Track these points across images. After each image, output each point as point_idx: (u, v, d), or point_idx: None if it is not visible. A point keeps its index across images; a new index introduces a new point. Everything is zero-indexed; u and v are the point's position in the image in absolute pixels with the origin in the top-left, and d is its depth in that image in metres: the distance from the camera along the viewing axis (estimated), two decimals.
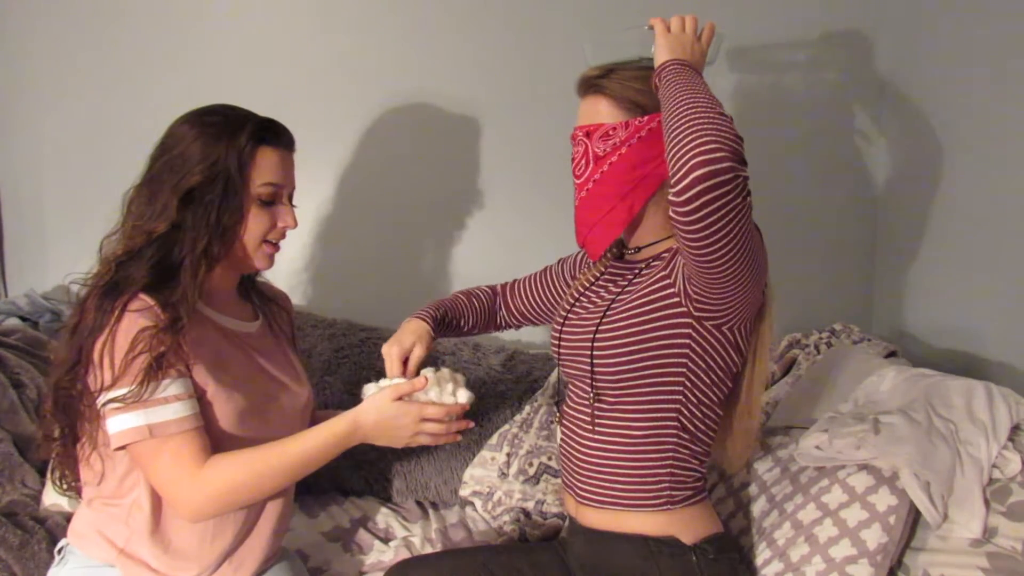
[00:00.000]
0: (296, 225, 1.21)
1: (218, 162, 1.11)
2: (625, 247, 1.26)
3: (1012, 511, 1.12)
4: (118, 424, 1.04)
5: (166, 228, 1.10)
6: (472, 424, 1.17)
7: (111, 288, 1.07)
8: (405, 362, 1.21)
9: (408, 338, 1.23)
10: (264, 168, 1.15)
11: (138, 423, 1.04)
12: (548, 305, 1.43)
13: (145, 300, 1.07)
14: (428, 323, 1.29)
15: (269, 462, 1.09)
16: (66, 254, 1.99)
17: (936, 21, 1.76)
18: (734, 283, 1.02)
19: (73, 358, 1.06)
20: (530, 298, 1.45)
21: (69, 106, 1.97)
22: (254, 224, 1.16)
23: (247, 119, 1.15)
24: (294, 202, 1.23)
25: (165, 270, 1.10)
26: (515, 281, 1.49)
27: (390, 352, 1.21)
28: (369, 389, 1.17)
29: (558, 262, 1.45)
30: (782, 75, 1.99)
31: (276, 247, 1.22)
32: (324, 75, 2.00)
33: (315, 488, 1.74)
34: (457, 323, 1.40)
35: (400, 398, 1.12)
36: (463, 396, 1.17)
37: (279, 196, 1.18)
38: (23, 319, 1.74)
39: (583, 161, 1.17)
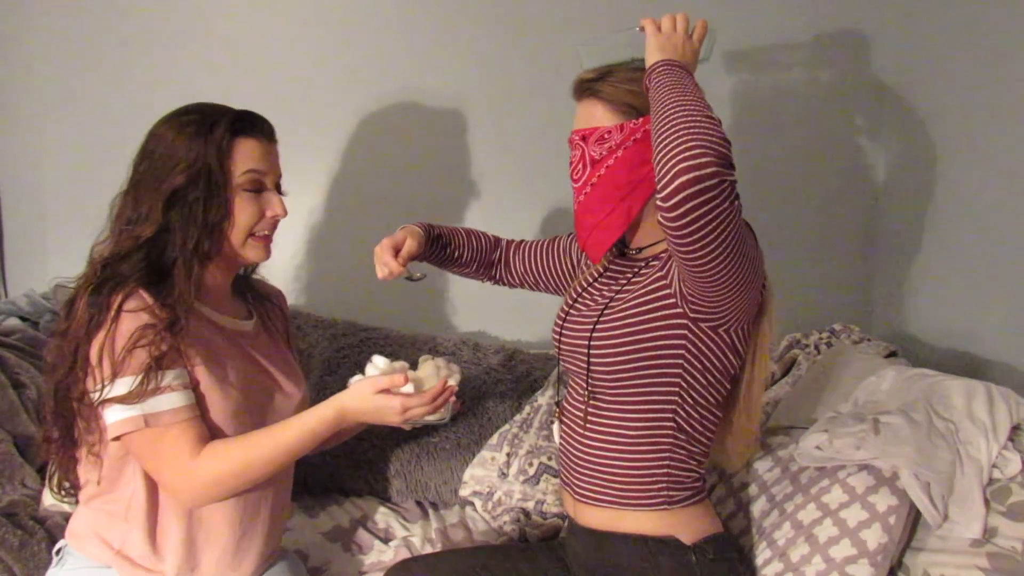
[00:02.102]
0: (286, 213, 1.20)
1: (198, 159, 1.11)
2: (626, 247, 1.26)
3: (1012, 511, 1.12)
4: (114, 415, 1.05)
5: (152, 232, 1.10)
6: (454, 399, 1.18)
7: (100, 285, 1.07)
8: (398, 255, 1.23)
9: (399, 233, 1.26)
10: (243, 157, 1.15)
11: (133, 413, 1.04)
12: (547, 275, 1.42)
13: (144, 298, 1.07)
14: (419, 228, 1.30)
15: (261, 449, 1.10)
16: (66, 254, 1.98)
17: (934, 21, 1.76)
18: (727, 287, 1.02)
19: (70, 360, 1.07)
20: (532, 263, 1.43)
21: (69, 106, 1.97)
22: (241, 215, 1.16)
23: (222, 113, 1.15)
24: (291, 197, 1.22)
25: (158, 271, 1.11)
26: (522, 241, 1.47)
27: (381, 245, 1.23)
28: (356, 381, 1.19)
29: (568, 235, 1.43)
30: (780, 76, 1.99)
31: (268, 238, 1.21)
32: (323, 75, 2.00)
33: (315, 488, 1.74)
34: (452, 252, 1.38)
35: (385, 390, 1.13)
36: (454, 372, 1.19)
37: (264, 184, 1.18)
38: (23, 319, 1.74)
39: (580, 165, 1.18)
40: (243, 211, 1.16)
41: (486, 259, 1.44)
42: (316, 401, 1.17)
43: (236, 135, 1.14)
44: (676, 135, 0.93)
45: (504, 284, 1.48)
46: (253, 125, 1.17)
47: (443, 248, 1.37)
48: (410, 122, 2.01)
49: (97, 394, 1.05)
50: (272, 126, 1.22)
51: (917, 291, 1.84)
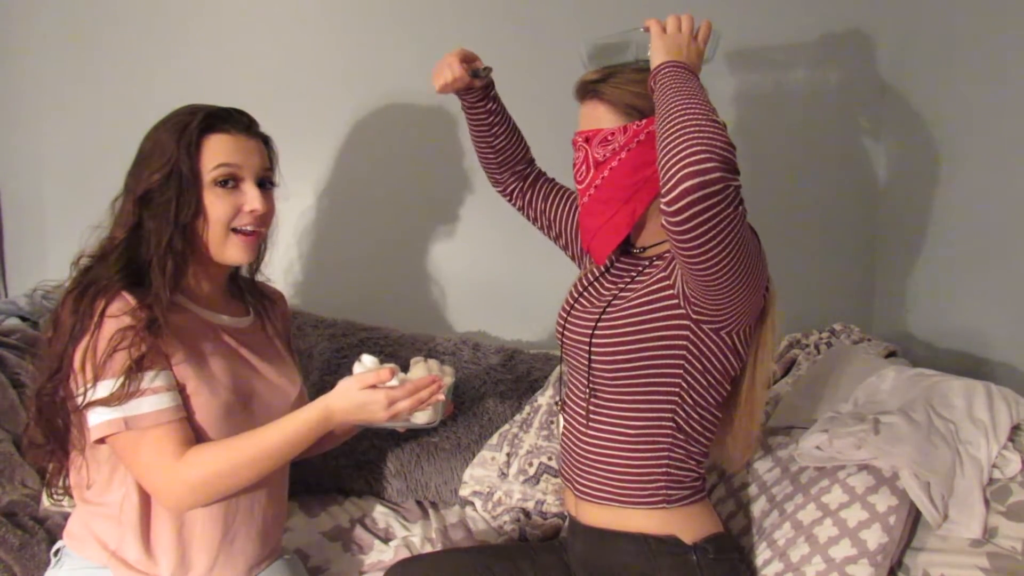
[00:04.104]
0: (263, 208, 1.17)
1: (170, 160, 1.12)
2: (631, 245, 1.26)
3: (1012, 511, 1.12)
4: (96, 417, 1.05)
5: (125, 233, 1.11)
6: (442, 397, 1.16)
7: (83, 291, 1.07)
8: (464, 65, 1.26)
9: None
10: (213, 153, 1.14)
11: (114, 416, 1.04)
12: (561, 226, 1.38)
13: (127, 299, 1.07)
14: None
15: (245, 452, 1.09)
16: (66, 254, 1.98)
17: (936, 21, 1.76)
18: (730, 290, 1.02)
19: (56, 365, 1.07)
20: (555, 204, 1.39)
21: (69, 107, 1.97)
22: (214, 210, 1.14)
23: (197, 112, 1.15)
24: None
25: (136, 272, 1.11)
26: (552, 179, 1.44)
27: (452, 52, 1.25)
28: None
29: None
30: (782, 76, 1.99)
31: (250, 236, 1.19)
32: (321, 75, 2.00)
33: (315, 488, 1.74)
34: (495, 122, 1.35)
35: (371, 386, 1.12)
36: (446, 373, 1.19)
37: (238, 178, 1.16)
38: (23, 319, 1.73)
39: (584, 167, 1.17)
40: (216, 206, 1.14)
41: (515, 162, 1.41)
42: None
43: (206, 132, 1.14)
44: (681, 140, 0.93)
45: (514, 203, 1.44)
46: (226, 120, 1.17)
47: (491, 113, 1.35)
48: (410, 121, 2.01)
49: (81, 398, 1.05)
50: (251, 120, 1.21)
51: (917, 291, 1.84)
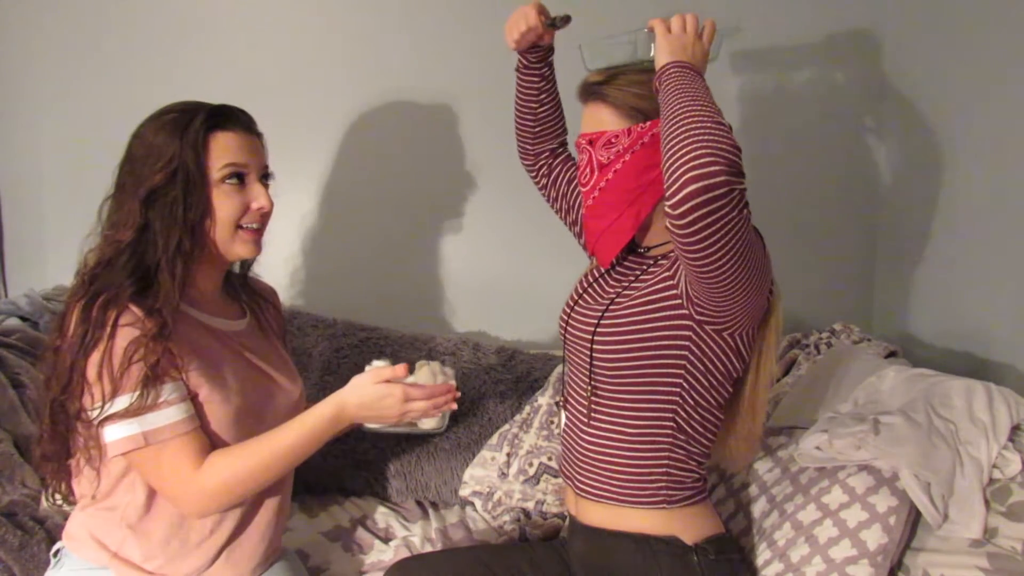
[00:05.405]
0: (271, 204, 1.18)
1: (174, 158, 1.10)
2: (636, 244, 1.26)
3: (1012, 511, 1.12)
4: (113, 433, 1.04)
5: (132, 235, 1.09)
6: (455, 406, 1.16)
7: (91, 300, 1.06)
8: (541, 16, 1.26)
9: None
10: (220, 151, 1.13)
11: (132, 431, 1.04)
12: (572, 204, 1.37)
13: (134, 312, 1.06)
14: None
15: (262, 454, 1.09)
16: (66, 254, 1.97)
17: (938, 22, 1.76)
18: (733, 292, 1.02)
19: (66, 377, 1.05)
20: (572, 184, 1.38)
21: (69, 106, 1.97)
22: (223, 209, 1.14)
23: (198, 109, 1.14)
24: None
25: (143, 276, 1.10)
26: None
27: (529, 4, 1.25)
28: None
29: None
30: (783, 76, 1.99)
31: (258, 231, 1.19)
32: (321, 75, 2.00)
33: (315, 488, 1.74)
34: (545, 89, 1.36)
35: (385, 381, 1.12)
36: (449, 377, 1.20)
37: (245, 177, 1.16)
38: (23, 319, 1.73)
39: (588, 169, 1.17)
40: (224, 205, 1.14)
41: (552, 136, 1.40)
42: (317, 402, 1.16)
43: (212, 130, 1.13)
44: (686, 142, 0.93)
45: (538, 181, 1.43)
46: (229, 118, 1.16)
47: (544, 79, 1.35)
48: (408, 121, 2.01)
49: (96, 411, 1.04)
50: (251, 118, 1.20)
51: (917, 291, 1.84)
